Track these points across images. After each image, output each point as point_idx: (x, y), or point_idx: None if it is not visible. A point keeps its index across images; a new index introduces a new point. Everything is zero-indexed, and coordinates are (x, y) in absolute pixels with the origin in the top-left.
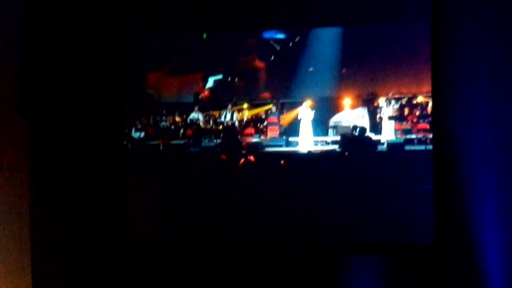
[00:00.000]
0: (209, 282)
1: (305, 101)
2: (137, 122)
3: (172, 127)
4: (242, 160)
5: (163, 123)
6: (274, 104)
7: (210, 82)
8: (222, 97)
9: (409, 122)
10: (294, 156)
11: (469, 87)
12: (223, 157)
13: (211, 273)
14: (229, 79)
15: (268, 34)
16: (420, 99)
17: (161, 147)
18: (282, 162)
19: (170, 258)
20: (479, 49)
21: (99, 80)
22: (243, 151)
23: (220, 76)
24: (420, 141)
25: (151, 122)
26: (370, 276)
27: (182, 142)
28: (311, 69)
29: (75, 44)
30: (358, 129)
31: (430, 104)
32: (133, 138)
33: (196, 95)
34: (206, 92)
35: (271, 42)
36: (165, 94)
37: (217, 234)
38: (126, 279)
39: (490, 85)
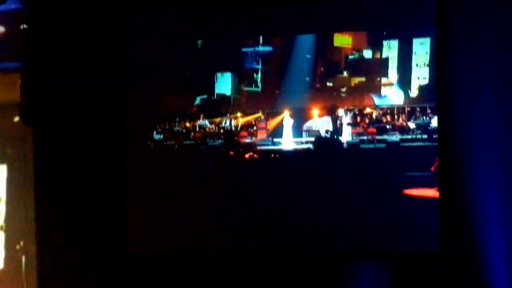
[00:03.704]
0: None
1: (285, 111)
2: (157, 127)
3: (184, 130)
4: (248, 155)
5: (177, 127)
6: (262, 113)
7: (198, 100)
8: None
9: (361, 127)
10: (280, 153)
11: (473, 92)
12: (231, 153)
13: (211, 278)
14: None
15: (247, 65)
16: (368, 110)
17: (176, 146)
18: (276, 155)
19: (176, 261)
20: (482, 54)
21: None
22: (240, 149)
23: (205, 96)
24: (369, 141)
25: (167, 127)
26: (373, 282)
27: (192, 142)
28: (276, 91)
29: (80, 52)
30: (329, 132)
31: (375, 114)
32: (155, 139)
33: (186, 110)
34: (194, 109)
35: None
36: (168, 107)
37: (220, 238)
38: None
39: (494, 88)
